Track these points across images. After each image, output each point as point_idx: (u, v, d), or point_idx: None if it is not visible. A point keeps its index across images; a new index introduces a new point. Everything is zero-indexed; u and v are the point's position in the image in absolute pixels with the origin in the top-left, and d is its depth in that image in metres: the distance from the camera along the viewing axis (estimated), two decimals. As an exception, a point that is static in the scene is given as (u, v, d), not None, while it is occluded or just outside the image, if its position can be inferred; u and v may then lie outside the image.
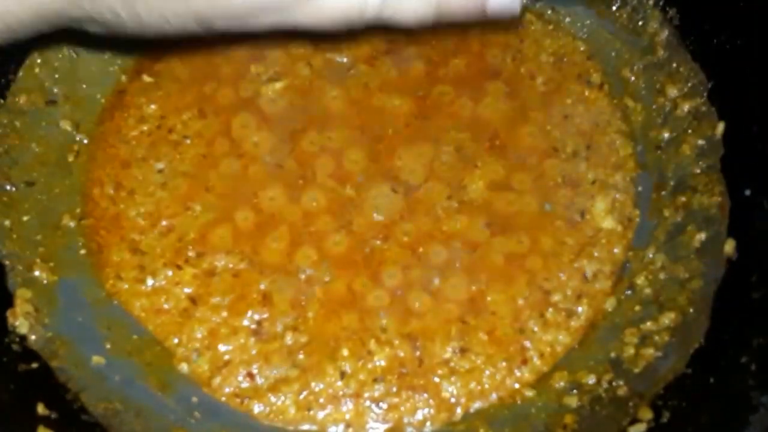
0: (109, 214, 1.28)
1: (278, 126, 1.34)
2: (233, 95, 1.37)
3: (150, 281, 1.23)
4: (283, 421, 1.15)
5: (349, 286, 1.22)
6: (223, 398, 1.16)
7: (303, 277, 1.23)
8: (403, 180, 1.29)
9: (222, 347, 1.19)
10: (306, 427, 1.15)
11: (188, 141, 1.33)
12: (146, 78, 1.39)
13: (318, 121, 1.35)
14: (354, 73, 1.39)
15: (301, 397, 1.16)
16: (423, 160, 1.31)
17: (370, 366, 1.17)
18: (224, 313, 1.20)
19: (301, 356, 1.18)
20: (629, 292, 1.24)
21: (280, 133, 1.34)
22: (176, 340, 1.19)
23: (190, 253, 1.24)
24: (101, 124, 1.35)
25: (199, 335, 1.19)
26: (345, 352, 1.18)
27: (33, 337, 1.14)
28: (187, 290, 1.22)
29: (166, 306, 1.21)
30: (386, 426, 1.15)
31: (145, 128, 1.34)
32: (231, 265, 1.23)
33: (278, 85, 1.36)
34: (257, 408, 1.16)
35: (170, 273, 1.23)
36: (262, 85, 1.37)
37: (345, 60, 1.40)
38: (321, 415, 1.15)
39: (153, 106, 1.36)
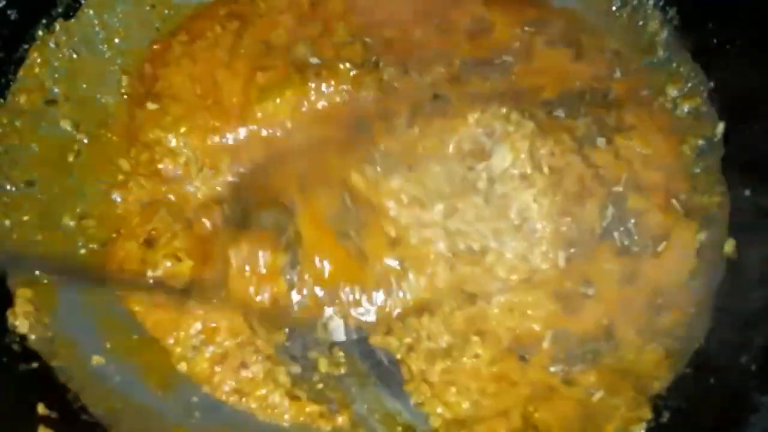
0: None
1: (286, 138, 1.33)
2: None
3: (150, 273, 1.22)
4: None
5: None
6: (223, 396, 1.16)
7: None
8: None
9: (218, 341, 1.19)
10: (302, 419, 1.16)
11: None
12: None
13: (324, 134, 1.32)
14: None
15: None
16: None
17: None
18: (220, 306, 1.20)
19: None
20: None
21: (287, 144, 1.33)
22: (172, 340, 1.19)
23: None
24: (102, 126, 1.35)
25: (193, 331, 1.19)
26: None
27: (33, 337, 1.14)
28: (183, 282, 1.21)
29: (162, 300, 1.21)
30: None
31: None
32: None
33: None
34: (254, 404, 1.16)
35: (169, 264, 1.23)
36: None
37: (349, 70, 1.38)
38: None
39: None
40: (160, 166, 1.29)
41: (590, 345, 1.16)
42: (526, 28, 1.39)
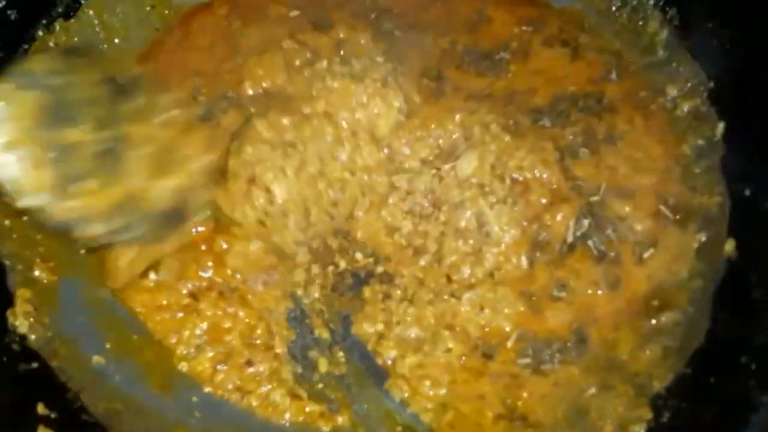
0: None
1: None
2: None
3: (153, 276, 1.22)
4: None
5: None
6: (224, 395, 1.16)
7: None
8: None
9: (226, 340, 1.19)
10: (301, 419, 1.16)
11: None
12: None
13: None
14: None
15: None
16: None
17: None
18: (226, 307, 1.20)
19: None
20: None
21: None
22: (174, 340, 1.19)
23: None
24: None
25: (198, 332, 1.19)
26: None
27: (33, 337, 1.14)
28: (189, 286, 1.22)
29: (165, 302, 1.21)
30: None
31: None
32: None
33: None
34: (255, 402, 1.16)
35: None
36: None
37: None
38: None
39: None
40: None
41: (558, 345, 1.16)
42: (524, 27, 1.40)
